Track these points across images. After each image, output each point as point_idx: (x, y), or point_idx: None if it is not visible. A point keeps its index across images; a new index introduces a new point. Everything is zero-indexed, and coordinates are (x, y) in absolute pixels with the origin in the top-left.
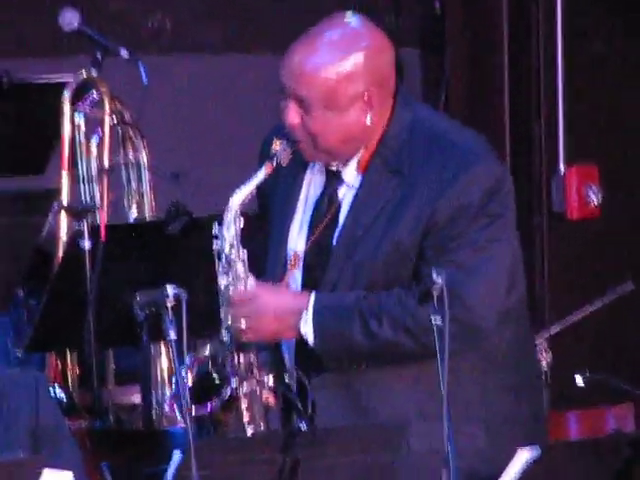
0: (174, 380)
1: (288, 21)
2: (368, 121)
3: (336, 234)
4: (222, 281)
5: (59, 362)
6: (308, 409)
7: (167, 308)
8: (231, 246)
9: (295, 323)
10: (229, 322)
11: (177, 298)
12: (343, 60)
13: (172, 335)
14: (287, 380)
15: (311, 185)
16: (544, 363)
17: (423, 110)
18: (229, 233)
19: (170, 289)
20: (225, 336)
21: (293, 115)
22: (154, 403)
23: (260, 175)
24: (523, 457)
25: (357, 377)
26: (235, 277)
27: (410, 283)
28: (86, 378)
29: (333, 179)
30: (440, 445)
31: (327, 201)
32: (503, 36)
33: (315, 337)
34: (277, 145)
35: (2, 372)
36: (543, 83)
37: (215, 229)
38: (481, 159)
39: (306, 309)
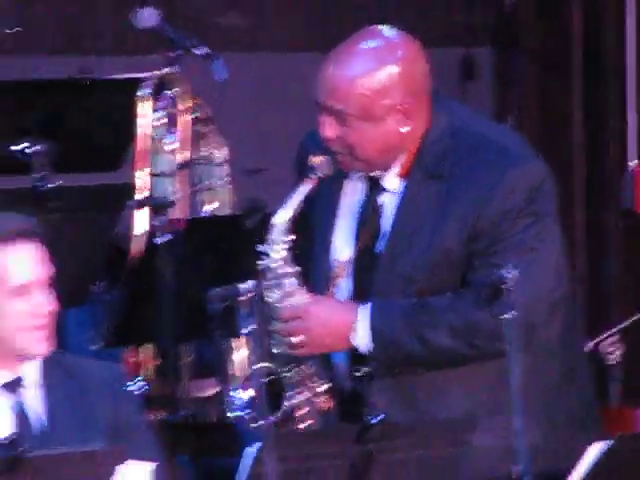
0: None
1: (366, 20)
2: (405, 130)
3: (381, 242)
4: (271, 296)
5: (135, 356)
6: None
7: (241, 303)
8: (280, 262)
9: (349, 335)
10: (281, 336)
11: (250, 293)
12: (377, 72)
13: (245, 330)
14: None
15: (351, 193)
16: (614, 358)
17: (461, 111)
18: (277, 250)
19: (244, 284)
20: (277, 349)
21: (329, 128)
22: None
23: (302, 190)
24: (593, 452)
25: (413, 380)
26: (285, 292)
27: (455, 288)
28: (162, 371)
29: (374, 186)
30: (501, 440)
31: (370, 208)
32: (576, 29)
33: (370, 348)
34: (317, 159)
35: (82, 365)
36: (615, 78)
37: (261, 247)
38: (523, 159)
39: (358, 320)
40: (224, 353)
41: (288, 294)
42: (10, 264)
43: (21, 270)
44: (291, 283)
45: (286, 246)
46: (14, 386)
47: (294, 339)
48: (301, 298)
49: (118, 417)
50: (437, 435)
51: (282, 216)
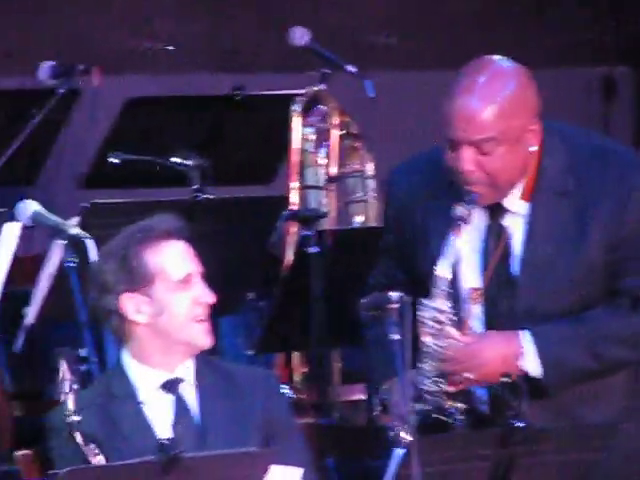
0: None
1: (502, 41)
2: (533, 149)
3: (514, 264)
4: (428, 340)
5: (286, 362)
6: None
7: (390, 311)
8: (441, 312)
9: (517, 364)
10: (436, 375)
11: (400, 301)
12: (504, 98)
13: (395, 336)
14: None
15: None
16: None
17: (566, 128)
18: (438, 302)
19: (394, 293)
20: (431, 387)
21: (468, 162)
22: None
23: (454, 244)
24: None
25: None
26: (445, 336)
27: (598, 300)
28: (312, 377)
29: (496, 210)
30: None
31: (495, 233)
32: None
33: (542, 372)
34: (461, 209)
35: (234, 369)
36: None
37: (420, 303)
38: None
39: (524, 347)
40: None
41: (448, 337)
42: (169, 260)
43: (179, 265)
44: (451, 330)
45: (446, 295)
46: (173, 385)
47: (466, 377)
48: (462, 340)
49: (270, 419)
50: (579, 439)
51: (442, 268)
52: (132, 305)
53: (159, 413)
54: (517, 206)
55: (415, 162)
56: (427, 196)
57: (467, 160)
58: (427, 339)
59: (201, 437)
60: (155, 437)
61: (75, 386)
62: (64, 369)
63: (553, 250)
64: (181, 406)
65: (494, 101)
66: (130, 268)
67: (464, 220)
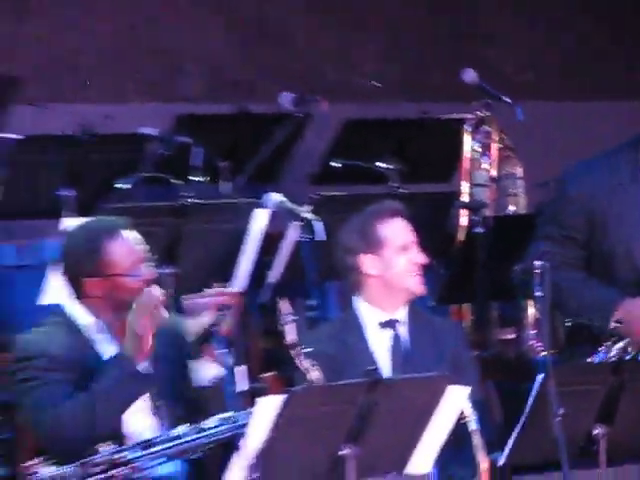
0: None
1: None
2: None
3: None
4: None
5: (458, 310)
6: None
7: (535, 274)
8: None
9: None
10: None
11: (542, 268)
12: None
13: (539, 293)
14: None
15: None
16: None
17: None
18: None
19: (538, 262)
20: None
21: None
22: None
23: None
24: None
25: None
26: None
27: None
28: (477, 322)
29: None
30: None
31: None
32: None
33: None
34: None
35: (430, 317)
36: None
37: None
38: None
39: None
40: (522, 310)
41: None
42: (394, 231)
43: (402, 234)
44: None
45: None
46: (391, 324)
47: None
48: None
49: (455, 355)
50: None
51: None
52: (367, 262)
53: (379, 344)
54: None
55: (591, 164)
56: (610, 189)
57: None
58: None
59: (409, 364)
60: (374, 362)
61: (293, 317)
62: (285, 306)
63: None
64: (397, 339)
65: None
66: (367, 236)
67: None
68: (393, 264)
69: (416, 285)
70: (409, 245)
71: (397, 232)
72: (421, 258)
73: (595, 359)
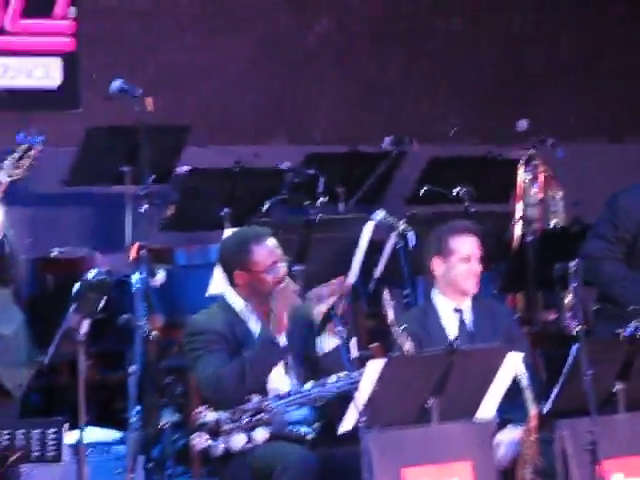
0: None
1: None
2: None
3: None
4: None
5: (514, 298)
6: None
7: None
8: None
9: None
10: None
11: (576, 267)
12: None
13: (574, 284)
14: None
15: None
16: None
17: None
18: None
19: (572, 262)
20: None
21: None
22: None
23: None
24: None
25: None
26: None
27: None
28: (528, 305)
29: None
30: None
31: None
32: None
33: None
34: None
35: (490, 303)
36: None
37: None
38: None
39: None
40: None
41: None
42: (461, 244)
43: (467, 247)
44: None
45: None
46: (458, 311)
47: None
48: None
49: (509, 332)
50: None
51: None
52: (437, 265)
53: (450, 325)
54: None
55: (637, 189)
56: None
57: None
58: None
59: (472, 339)
60: (447, 338)
61: (392, 303)
62: (386, 294)
63: None
64: (462, 322)
65: None
66: (441, 245)
67: None
68: (455, 270)
69: (470, 287)
70: (471, 257)
71: (463, 245)
72: (478, 268)
73: (625, 332)
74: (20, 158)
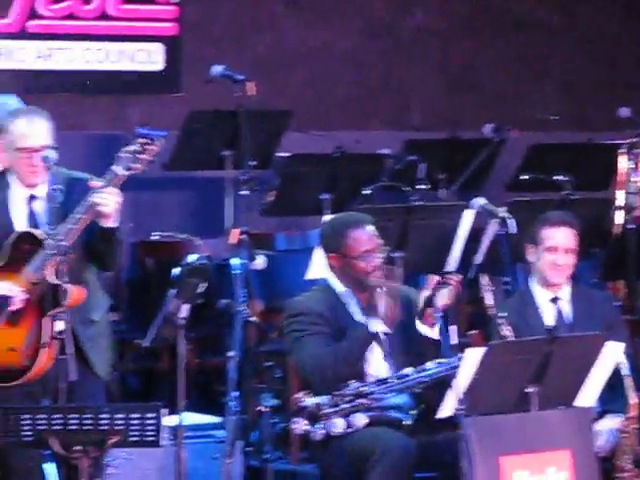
0: None
1: None
2: None
3: None
4: None
5: (614, 286)
6: None
7: None
8: None
9: None
10: None
11: None
12: None
13: None
14: None
15: None
16: None
17: None
18: None
19: None
20: None
21: None
22: None
23: None
24: None
25: None
26: None
27: None
28: (629, 291)
29: None
30: None
31: None
32: None
33: None
34: None
35: (592, 292)
36: None
37: None
38: None
39: None
40: None
41: None
42: (550, 235)
43: (556, 238)
44: None
45: None
46: (554, 300)
47: None
48: None
49: (609, 320)
50: None
51: None
52: (529, 252)
53: (548, 315)
54: None
55: None
56: None
57: None
58: None
59: (571, 328)
60: (544, 327)
61: (491, 289)
62: (485, 280)
63: None
64: (560, 311)
65: None
66: (534, 234)
67: None
68: (542, 259)
69: (552, 277)
70: (559, 248)
71: (553, 235)
72: (564, 260)
73: None
74: (140, 152)
